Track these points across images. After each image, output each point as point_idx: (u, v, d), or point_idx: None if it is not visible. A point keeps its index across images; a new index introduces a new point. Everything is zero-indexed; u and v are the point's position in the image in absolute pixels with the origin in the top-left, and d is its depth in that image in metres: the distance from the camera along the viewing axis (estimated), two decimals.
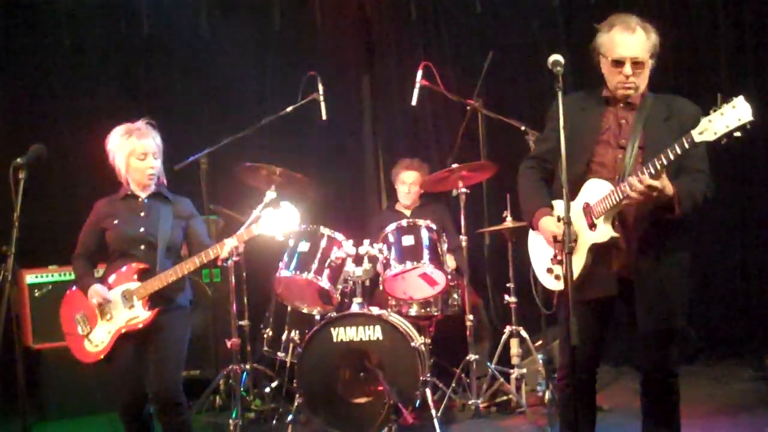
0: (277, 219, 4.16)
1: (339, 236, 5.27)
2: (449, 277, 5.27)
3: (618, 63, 3.50)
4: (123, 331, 4.16)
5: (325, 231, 5.27)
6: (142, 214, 4.32)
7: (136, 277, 4.21)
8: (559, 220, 3.33)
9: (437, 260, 5.20)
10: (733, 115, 3.08)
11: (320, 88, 5.63)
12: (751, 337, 6.57)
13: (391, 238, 5.27)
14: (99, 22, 7.05)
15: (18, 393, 3.71)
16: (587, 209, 3.52)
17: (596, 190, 3.50)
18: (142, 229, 4.27)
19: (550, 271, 3.69)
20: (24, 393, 3.71)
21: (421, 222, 5.34)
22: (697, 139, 3.15)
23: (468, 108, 5.85)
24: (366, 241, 5.29)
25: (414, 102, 5.78)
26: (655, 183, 3.25)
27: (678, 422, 3.68)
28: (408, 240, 5.22)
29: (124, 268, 4.23)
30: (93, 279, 4.28)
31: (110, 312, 4.19)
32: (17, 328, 3.86)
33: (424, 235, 5.24)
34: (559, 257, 3.54)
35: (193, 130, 6.93)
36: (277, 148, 6.86)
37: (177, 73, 7.12)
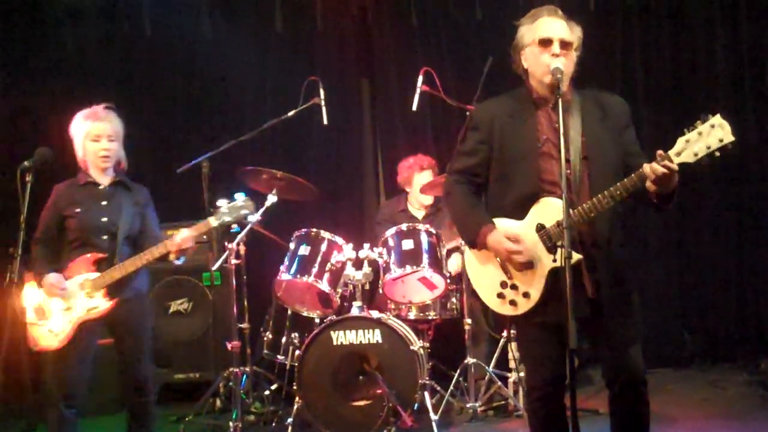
0: (232, 208, 4.28)
1: (339, 240, 5.32)
2: (448, 281, 5.31)
3: (546, 42, 3.34)
4: (83, 320, 4.19)
5: (326, 235, 5.31)
6: (104, 202, 4.35)
7: (94, 266, 4.23)
8: (558, 225, 3.22)
9: (437, 264, 5.24)
10: (713, 135, 2.98)
11: (322, 92, 5.66)
12: (746, 342, 6.63)
13: (391, 242, 5.30)
14: (101, 23, 7.10)
15: (23, 393, 3.74)
16: (543, 232, 3.32)
17: (550, 210, 3.30)
18: (104, 219, 4.30)
19: (501, 296, 3.45)
20: (30, 393, 3.74)
21: (420, 226, 5.37)
22: (675, 160, 3.03)
23: (467, 113, 5.89)
24: (366, 245, 5.34)
25: (414, 107, 5.81)
26: (674, 167, 3.06)
27: None
28: (408, 244, 5.25)
29: (82, 258, 4.24)
30: (49, 268, 4.26)
31: (69, 301, 4.21)
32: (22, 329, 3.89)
33: (424, 239, 5.27)
34: (511, 281, 3.37)
35: (195, 134, 7.00)
36: (278, 152, 6.93)
37: (179, 75, 7.17)
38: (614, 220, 3.39)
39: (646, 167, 3.12)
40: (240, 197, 4.31)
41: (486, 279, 3.52)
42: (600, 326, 3.35)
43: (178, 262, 4.39)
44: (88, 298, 4.20)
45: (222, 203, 4.30)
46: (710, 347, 6.69)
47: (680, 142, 3.05)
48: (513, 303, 3.42)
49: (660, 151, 3.11)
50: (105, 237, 4.28)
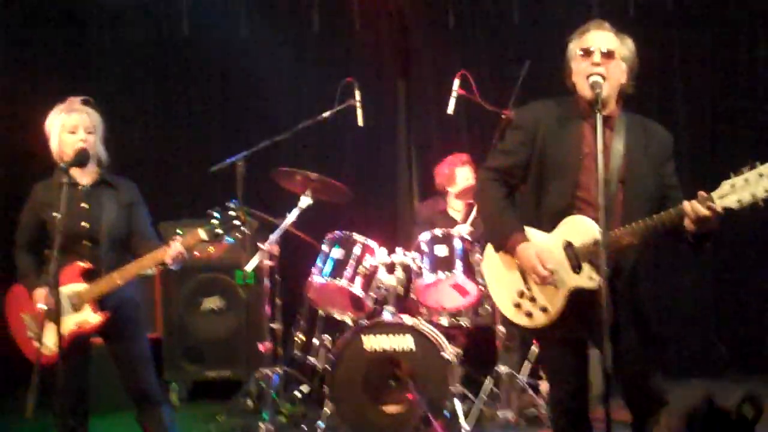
0: (223, 219, 3.89)
1: (372, 243, 5.31)
2: (481, 287, 5.27)
3: (587, 53, 3.28)
4: (74, 334, 3.92)
5: (359, 238, 5.30)
6: (83, 204, 4.02)
7: (81, 277, 3.96)
8: (596, 244, 3.10)
9: (470, 270, 5.20)
10: (761, 185, 2.90)
11: (357, 94, 5.63)
12: None
13: (425, 248, 5.27)
14: (140, 23, 7.18)
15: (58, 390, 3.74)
16: (570, 249, 3.27)
17: (580, 229, 3.24)
18: (84, 224, 3.98)
19: (518, 306, 3.40)
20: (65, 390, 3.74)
21: (454, 232, 5.34)
22: (719, 203, 2.96)
23: (502, 117, 5.85)
24: (399, 249, 5.32)
25: (450, 111, 5.77)
26: (719, 210, 3.01)
27: None
28: (441, 250, 5.21)
29: (69, 268, 3.94)
30: (38, 279, 4.03)
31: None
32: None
33: (457, 245, 5.24)
34: (530, 292, 3.32)
35: (231, 133, 7.04)
36: (312, 152, 6.93)
37: (215, 75, 7.23)
38: (642, 252, 3.33)
39: (687, 205, 3.05)
40: (233, 206, 3.91)
41: (504, 285, 3.47)
42: (617, 353, 3.24)
43: (174, 268, 4.03)
44: (75, 312, 3.93)
45: (215, 213, 3.90)
46: (745, 357, 6.61)
47: (725, 185, 2.98)
48: (529, 315, 3.38)
49: (702, 192, 3.04)
50: (86, 242, 3.99)
